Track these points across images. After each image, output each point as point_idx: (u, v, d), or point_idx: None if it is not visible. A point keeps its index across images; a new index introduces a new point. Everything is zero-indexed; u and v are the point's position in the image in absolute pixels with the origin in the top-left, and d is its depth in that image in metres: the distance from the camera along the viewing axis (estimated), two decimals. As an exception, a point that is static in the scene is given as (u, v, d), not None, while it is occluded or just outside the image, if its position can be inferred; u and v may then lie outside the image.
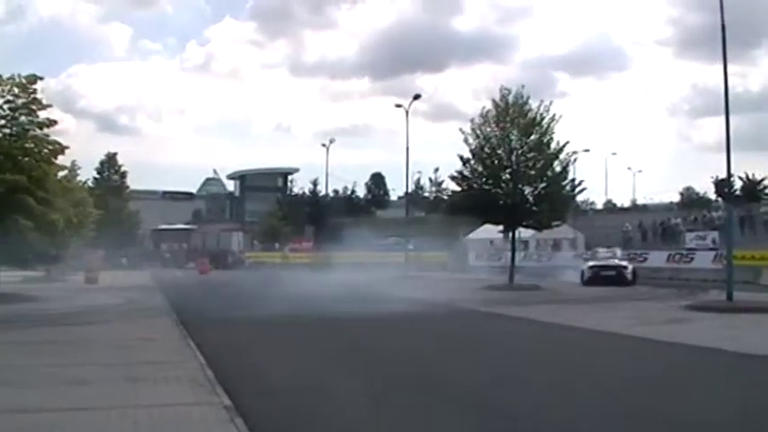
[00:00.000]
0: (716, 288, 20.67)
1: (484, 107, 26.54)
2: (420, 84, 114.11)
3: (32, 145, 20.44)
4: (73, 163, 30.76)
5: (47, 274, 30.78)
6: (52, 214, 20.09)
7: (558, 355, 10.70)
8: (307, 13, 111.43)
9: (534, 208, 25.98)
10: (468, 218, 31.48)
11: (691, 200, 63.15)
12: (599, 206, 69.06)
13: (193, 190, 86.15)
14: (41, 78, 20.58)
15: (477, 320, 16.10)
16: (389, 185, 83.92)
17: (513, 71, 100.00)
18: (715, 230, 35.34)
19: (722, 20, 17.29)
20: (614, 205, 71.87)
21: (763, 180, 59.97)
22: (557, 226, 28.67)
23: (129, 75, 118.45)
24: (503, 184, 25.95)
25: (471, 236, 44.15)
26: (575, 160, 26.73)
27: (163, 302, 19.54)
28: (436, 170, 71.63)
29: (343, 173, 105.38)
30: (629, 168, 74.72)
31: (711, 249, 32.95)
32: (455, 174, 27.07)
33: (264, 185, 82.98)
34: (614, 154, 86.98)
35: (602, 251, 31.38)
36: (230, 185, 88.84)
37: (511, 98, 26.06)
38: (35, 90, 20.21)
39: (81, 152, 67.90)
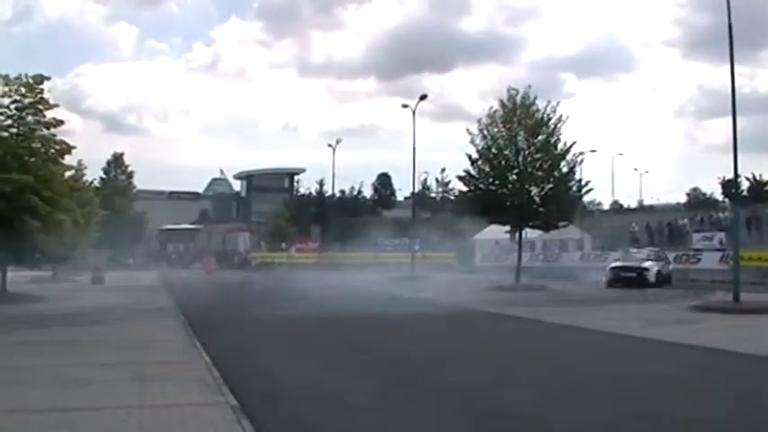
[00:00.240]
0: (722, 289, 20.57)
1: (491, 107, 26.66)
2: (427, 84, 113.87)
3: (39, 145, 20.52)
4: (79, 163, 30.76)
5: (54, 274, 30.93)
6: (59, 214, 20.10)
7: (564, 355, 10.65)
8: (313, 14, 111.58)
9: (541, 208, 26.02)
10: (475, 218, 31.47)
11: (697, 201, 62.79)
12: (606, 207, 68.88)
13: (200, 190, 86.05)
14: (48, 78, 20.67)
15: (486, 322, 16.00)
16: (396, 186, 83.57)
17: (520, 72, 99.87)
18: (722, 231, 35.16)
19: (729, 21, 17.24)
20: (621, 206, 71.51)
21: (770, 181, 59.72)
22: (563, 226, 28.69)
23: (135, 75, 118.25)
24: (510, 185, 25.96)
25: (478, 236, 44.07)
26: (581, 161, 26.65)
27: (169, 303, 19.56)
28: (443, 170, 71.40)
29: (350, 173, 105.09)
30: (635, 169, 74.35)
31: (718, 250, 32.77)
32: (463, 173, 27.13)
33: (271, 186, 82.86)
34: (621, 155, 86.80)
35: (633, 251, 30.86)
36: (237, 185, 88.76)
37: (518, 99, 26.12)
38: (42, 90, 20.29)
39: (87, 152, 68.32)
